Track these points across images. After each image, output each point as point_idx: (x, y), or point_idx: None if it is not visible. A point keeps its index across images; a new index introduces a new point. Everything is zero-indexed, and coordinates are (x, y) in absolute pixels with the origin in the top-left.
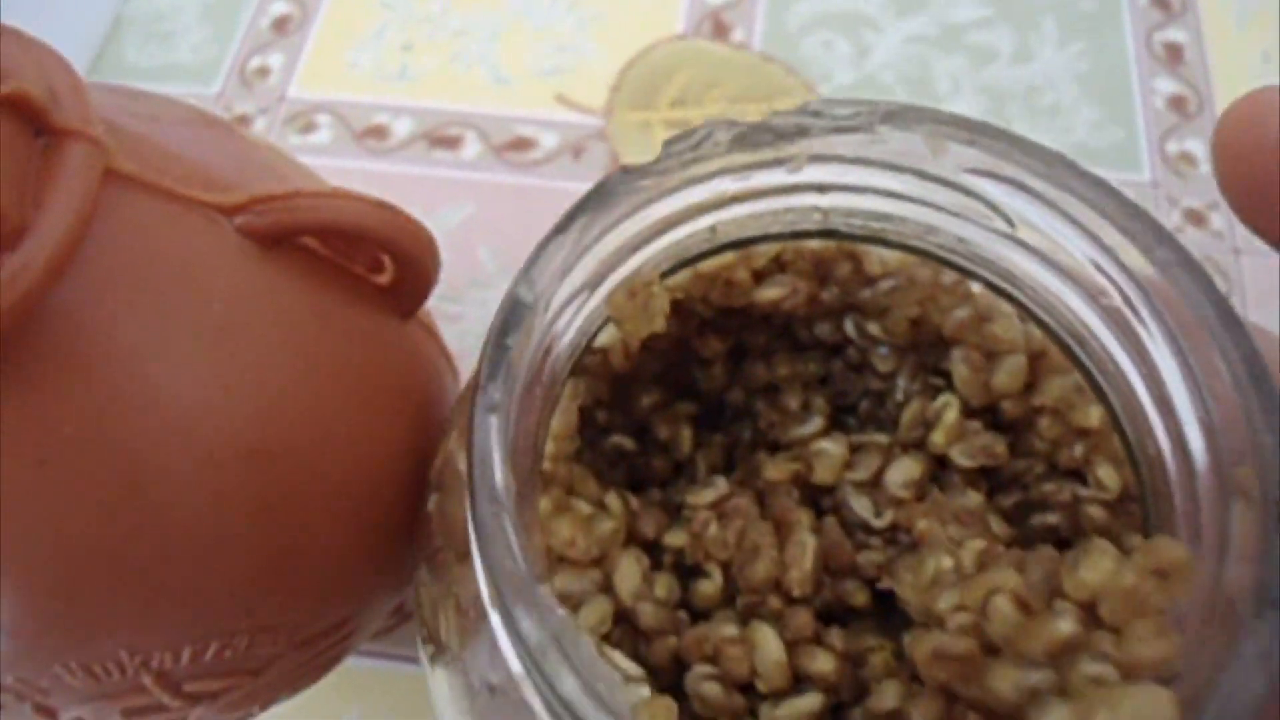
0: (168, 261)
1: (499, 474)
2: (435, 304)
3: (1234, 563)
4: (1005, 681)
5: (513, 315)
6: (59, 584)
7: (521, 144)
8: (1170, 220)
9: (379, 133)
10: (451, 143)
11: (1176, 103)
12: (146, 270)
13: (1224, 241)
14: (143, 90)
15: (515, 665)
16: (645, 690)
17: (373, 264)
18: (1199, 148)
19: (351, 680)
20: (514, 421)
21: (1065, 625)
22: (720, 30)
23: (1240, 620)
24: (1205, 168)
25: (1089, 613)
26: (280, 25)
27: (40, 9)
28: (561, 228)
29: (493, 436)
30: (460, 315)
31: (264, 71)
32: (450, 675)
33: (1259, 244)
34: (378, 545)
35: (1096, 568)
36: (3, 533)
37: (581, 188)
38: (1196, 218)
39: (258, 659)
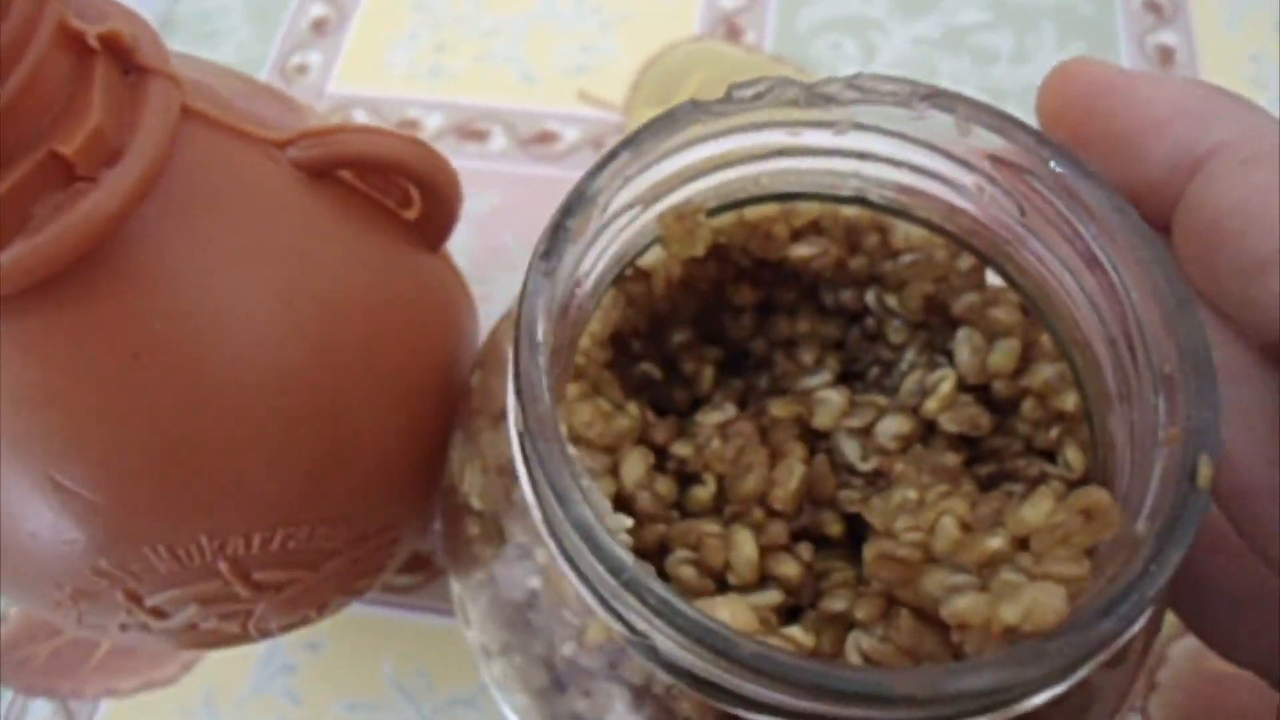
0: (233, 186)
1: (541, 328)
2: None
3: (1148, 517)
4: (934, 582)
5: (576, 202)
6: (149, 468)
7: (546, 137)
8: None
9: (412, 126)
10: (480, 136)
11: None
12: (216, 193)
13: None
14: (193, 55)
15: (529, 493)
16: (629, 520)
17: (402, 200)
18: None
19: (384, 629)
20: (560, 295)
21: (995, 542)
22: (734, 33)
23: (1143, 555)
24: None
25: (1021, 543)
26: (319, 26)
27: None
28: (627, 143)
29: (541, 298)
30: (488, 296)
31: (304, 69)
32: (467, 525)
33: None
34: (416, 445)
35: (1037, 508)
36: (104, 419)
37: None
38: None
39: (317, 553)
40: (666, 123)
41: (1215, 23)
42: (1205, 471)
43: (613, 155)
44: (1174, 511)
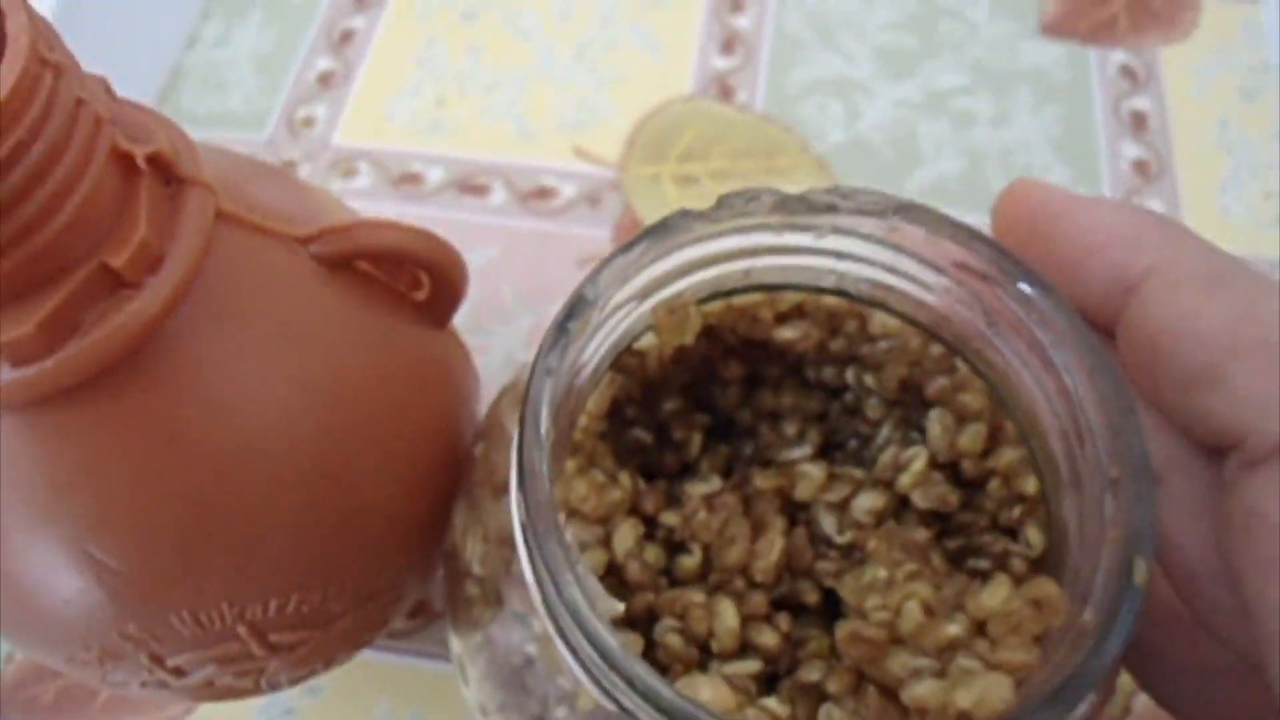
0: (259, 282)
1: (544, 423)
2: (464, 335)
3: (1092, 608)
4: (898, 663)
5: (576, 306)
6: (177, 541)
7: (544, 193)
8: None
9: (414, 180)
10: (480, 190)
11: (1140, 166)
12: (244, 289)
13: None
14: (215, 144)
15: (528, 574)
16: (621, 606)
17: (412, 283)
18: (1160, 207)
19: (381, 674)
20: (562, 387)
21: (953, 629)
22: (725, 92)
23: (1083, 643)
24: None
25: (979, 627)
26: (325, 80)
27: (107, 59)
28: (626, 247)
29: (545, 394)
30: (486, 347)
31: (309, 121)
32: (467, 587)
33: None
34: (420, 509)
35: (994, 595)
36: (137, 498)
37: (597, 233)
38: None
39: (328, 614)
40: (661, 230)
41: (1185, 89)
42: (1141, 570)
43: (610, 260)
44: (1112, 606)
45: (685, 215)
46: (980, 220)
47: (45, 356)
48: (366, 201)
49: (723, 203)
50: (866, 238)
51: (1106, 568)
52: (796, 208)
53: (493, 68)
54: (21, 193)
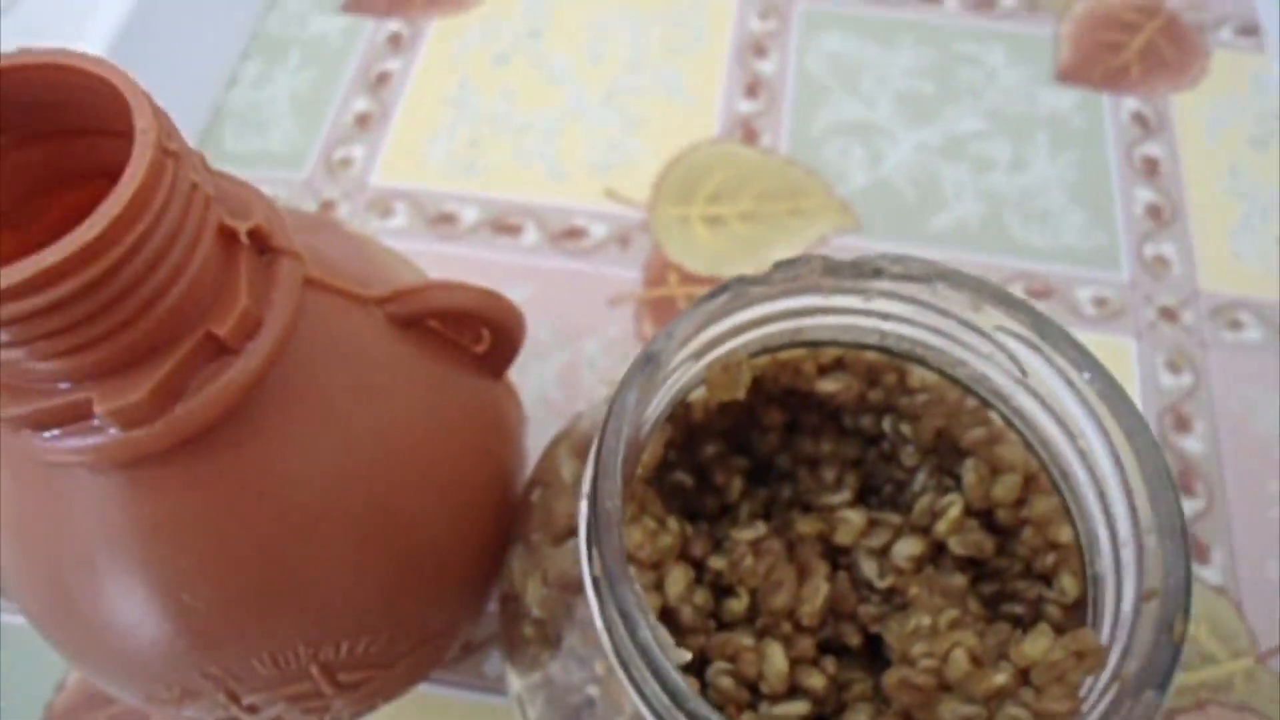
0: (341, 342)
1: (619, 480)
2: None
3: (1131, 659)
4: (948, 711)
5: (647, 364)
6: (261, 589)
7: (575, 233)
8: (1146, 316)
9: (449, 219)
10: (513, 230)
11: (1153, 211)
12: (328, 350)
13: (1193, 336)
14: (297, 210)
15: (598, 619)
16: (688, 654)
17: (473, 337)
18: (1172, 250)
19: (425, 705)
20: (629, 443)
21: (1001, 677)
22: (750, 135)
23: (1125, 694)
24: (1178, 269)
25: (1023, 675)
26: (362, 121)
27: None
28: (688, 313)
29: (620, 451)
30: (520, 385)
31: (347, 162)
32: (525, 629)
33: (1225, 338)
34: (475, 553)
35: (1036, 644)
36: (227, 547)
37: (627, 273)
38: (1169, 314)
39: (392, 654)
40: (719, 298)
41: (1197, 137)
42: (1179, 628)
43: (676, 323)
44: (1155, 660)
45: (741, 282)
46: (1002, 261)
47: (154, 420)
48: (404, 241)
49: (777, 268)
50: (911, 301)
51: (1146, 623)
52: (845, 272)
53: (524, 110)
54: (144, 275)
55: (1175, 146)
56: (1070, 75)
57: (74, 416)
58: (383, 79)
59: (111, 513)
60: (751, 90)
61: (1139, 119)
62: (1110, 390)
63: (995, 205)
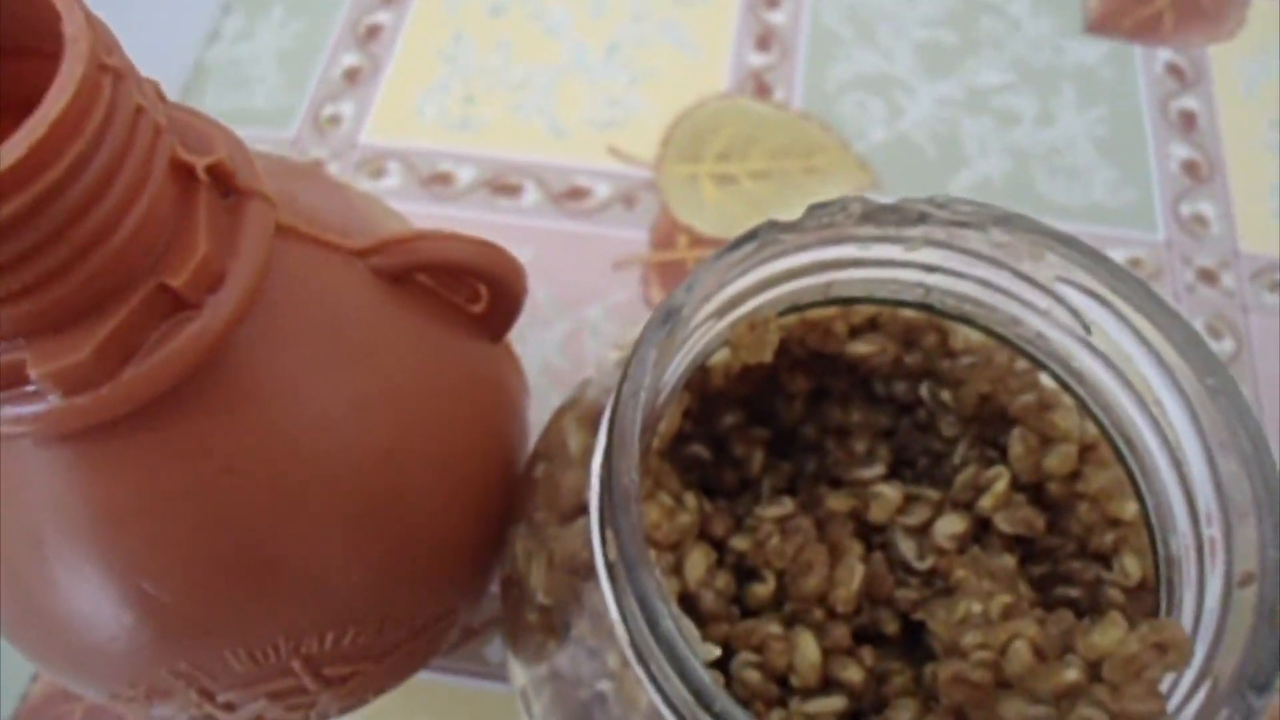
0: (319, 297)
1: (635, 451)
2: None
3: (1225, 653)
4: (1012, 711)
5: (667, 320)
6: (234, 575)
7: (577, 193)
8: (1184, 278)
9: (444, 179)
10: (512, 190)
11: (1189, 167)
12: (303, 307)
13: (1234, 299)
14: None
15: (613, 609)
16: (717, 650)
17: (470, 296)
18: (1211, 209)
19: (422, 693)
20: (646, 410)
21: (1072, 673)
22: (762, 90)
23: (1221, 696)
24: (1217, 228)
25: (1093, 670)
26: (351, 76)
27: (128, 53)
28: (709, 263)
29: (637, 420)
30: (521, 353)
31: (336, 119)
32: (530, 616)
33: (1267, 301)
34: (474, 532)
35: (1107, 634)
36: (194, 530)
37: (633, 235)
38: (1208, 276)
39: (382, 646)
40: (745, 246)
41: (1235, 89)
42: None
43: (697, 274)
44: (1250, 655)
45: (772, 228)
46: None
47: (100, 384)
48: (397, 202)
49: (810, 213)
50: (962, 251)
51: (1242, 612)
52: (887, 219)
53: (523, 64)
54: (81, 209)
55: (1213, 100)
56: (1099, 25)
57: (6, 381)
58: (373, 32)
59: (59, 491)
60: (763, 42)
61: (1174, 70)
62: (1192, 346)
63: (1021, 161)
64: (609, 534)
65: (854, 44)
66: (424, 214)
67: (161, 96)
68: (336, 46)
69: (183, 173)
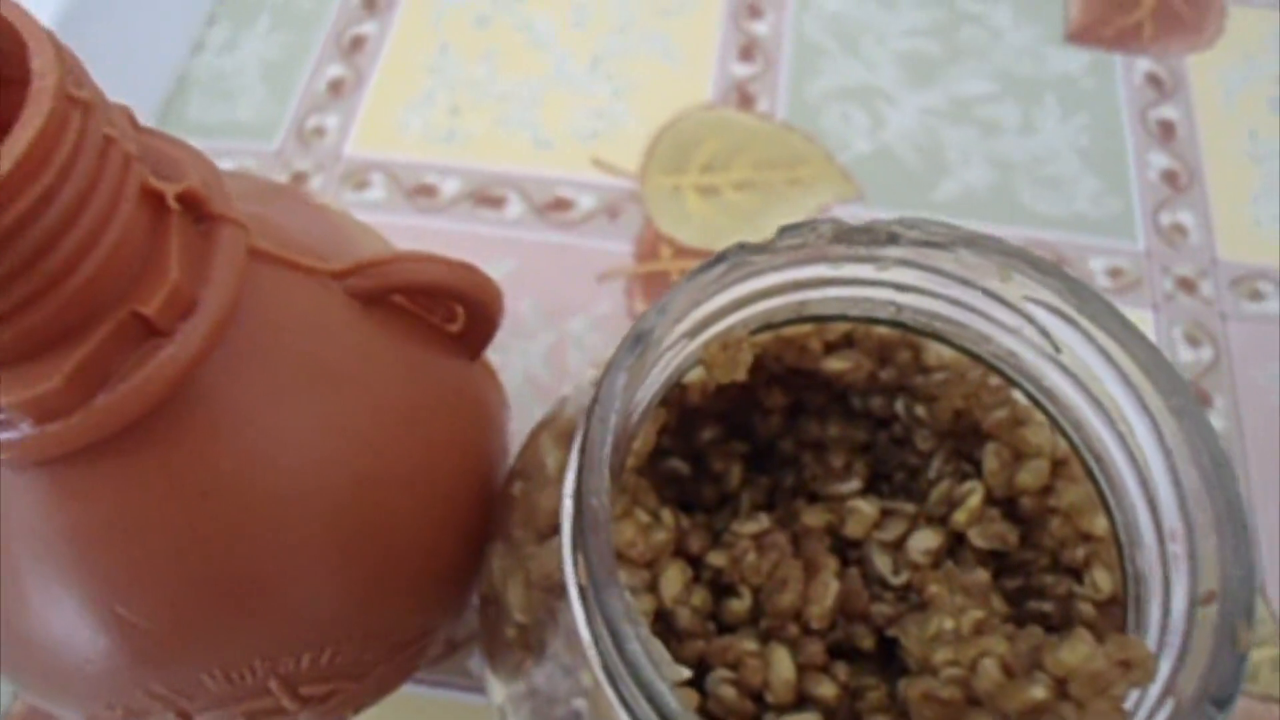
0: (293, 322)
1: (606, 472)
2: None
3: (1188, 670)
4: None
5: (636, 344)
6: (209, 598)
7: (561, 204)
8: (1163, 287)
9: (428, 191)
10: (496, 202)
11: (1169, 177)
12: (278, 331)
13: (1212, 308)
14: (226, 170)
15: (584, 630)
16: (687, 672)
17: (446, 315)
18: (1190, 219)
19: (403, 706)
20: (618, 431)
21: (1038, 691)
22: (745, 101)
23: (1184, 712)
24: (1195, 237)
25: (1060, 686)
26: (335, 88)
27: (108, 65)
28: (682, 285)
29: (608, 443)
30: (504, 365)
31: (320, 131)
32: (508, 633)
33: (1245, 309)
34: (453, 551)
35: (1074, 651)
36: (168, 554)
37: (617, 246)
38: (1187, 285)
39: (361, 664)
40: (716, 269)
41: (1214, 99)
42: (1243, 636)
43: (669, 297)
44: (1211, 673)
45: (742, 250)
46: (1011, 230)
47: (72, 411)
48: (380, 214)
49: (781, 235)
50: (932, 270)
51: (1204, 630)
52: (857, 239)
53: (507, 76)
54: (50, 241)
55: (1192, 109)
56: (1080, 35)
57: None
58: (357, 43)
59: (33, 516)
60: (746, 53)
61: (1153, 80)
62: (1156, 366)
63: (1003, 171)
64: (579, 557)
65: (837, 55)
66: (408, 226)
67: (133, 123)
68: (321, 58)
69: (154, 201)
